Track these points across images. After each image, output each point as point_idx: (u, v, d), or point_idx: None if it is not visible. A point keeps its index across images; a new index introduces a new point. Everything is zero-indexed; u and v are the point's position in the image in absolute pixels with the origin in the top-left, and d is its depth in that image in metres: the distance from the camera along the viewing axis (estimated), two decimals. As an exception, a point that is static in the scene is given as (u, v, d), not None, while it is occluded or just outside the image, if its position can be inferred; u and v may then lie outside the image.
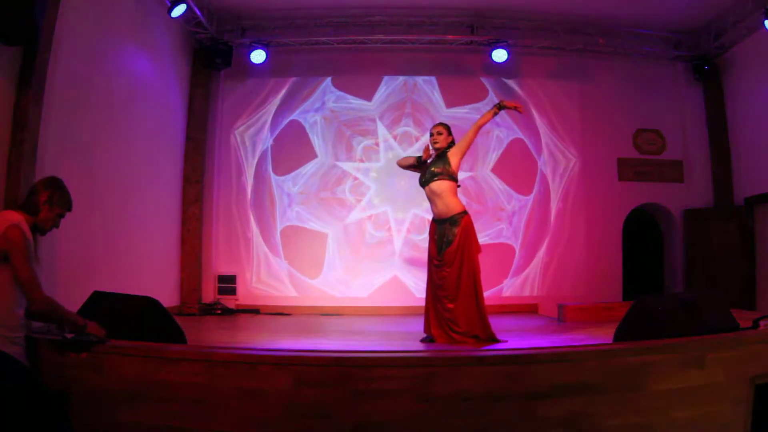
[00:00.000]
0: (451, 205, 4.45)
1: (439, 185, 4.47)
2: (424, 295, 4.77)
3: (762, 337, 3.27)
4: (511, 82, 8.43)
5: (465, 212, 4.48)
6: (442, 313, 4.39)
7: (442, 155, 4.58)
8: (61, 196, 2.89)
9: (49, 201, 2.81)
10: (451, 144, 4.65)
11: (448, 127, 4.71)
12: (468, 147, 4.62)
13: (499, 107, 4.63)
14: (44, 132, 4.58)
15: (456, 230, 4.38)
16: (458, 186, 4.60)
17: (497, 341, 4.30)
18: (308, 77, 8.39)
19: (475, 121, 4.67)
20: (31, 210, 2.78)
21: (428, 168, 4.59)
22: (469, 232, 4.41)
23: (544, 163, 8.41)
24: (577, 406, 2.91)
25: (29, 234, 2.71)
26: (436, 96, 8.38)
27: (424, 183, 4.60)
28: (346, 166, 8.29)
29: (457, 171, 4.56)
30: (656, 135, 8.49)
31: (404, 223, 8.19)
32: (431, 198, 4.55)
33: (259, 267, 8.15)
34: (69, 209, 2.96)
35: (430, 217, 4.75)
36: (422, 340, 4.53)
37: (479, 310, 4.33)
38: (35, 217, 2.78)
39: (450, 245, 4.37)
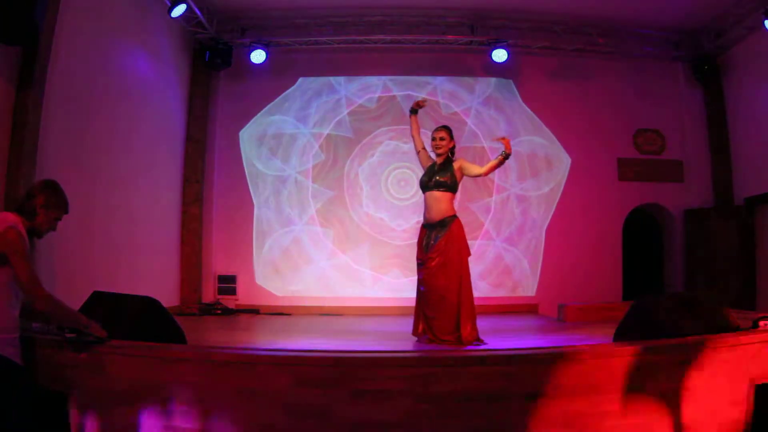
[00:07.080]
0: (444, 210, 4.49)
1: (442, 195, 4.49)
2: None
3: (762, 337, 3.27)
4: (511, 83, 8.43)
5: (455, 216, 4.52)
6: (426, 313, 4.45)
7: (447, 163, 4.56)
8: (58, 199, 2.87)
9: (46, 205, 2.79)
10: (453, 149, 4.63)
11: (449, 131, 4.67)
12: (472, 176, 4.66)
13: (505, 156, 4.41)
14: (44, 132, 4.58)
15: (444, 231, 4.42)
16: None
17: (480, 342, 4.30)
18: (308, 77, 8.38)
19: (488, 163, 4.52)
20: (28, 214, 2.76)
21: (434, 175, 4.54)
22: (458, 234, 4.45)
23: (543, 163, 8.41)
24: (577, 406, 2.91)
25: (26, 236, 2.71)
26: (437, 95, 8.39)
27: (427, 188, 4.56)
28: (343, 164, 8.29)
29: (459, 184, 4.60)
30: (656, 135, 8.49)
31: (404, 221, 8.20)
32: (429, 202, 4.54)
33: (259, 266, 8.14)
34: (66, 212, 2.94)
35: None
36: (417, 341, 4.55)
37: (464, 312, 4.32)
38: (32, 221, 2.77)
39: (436, 243, 4.41)
